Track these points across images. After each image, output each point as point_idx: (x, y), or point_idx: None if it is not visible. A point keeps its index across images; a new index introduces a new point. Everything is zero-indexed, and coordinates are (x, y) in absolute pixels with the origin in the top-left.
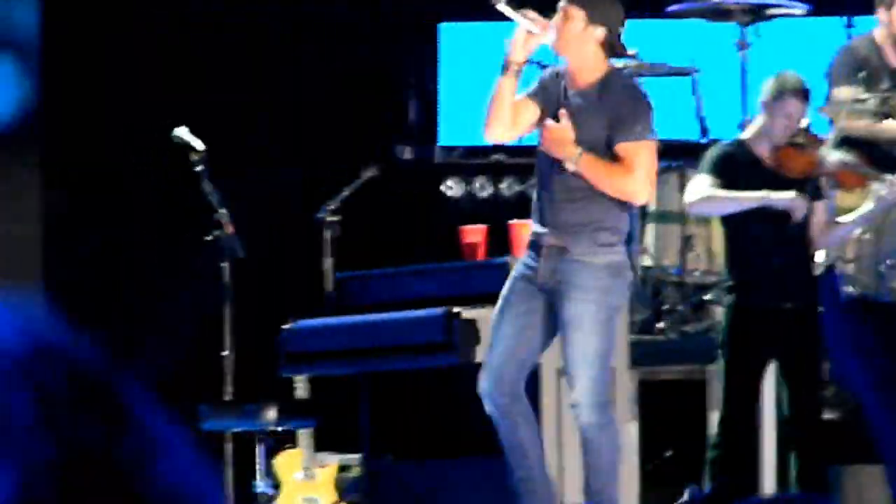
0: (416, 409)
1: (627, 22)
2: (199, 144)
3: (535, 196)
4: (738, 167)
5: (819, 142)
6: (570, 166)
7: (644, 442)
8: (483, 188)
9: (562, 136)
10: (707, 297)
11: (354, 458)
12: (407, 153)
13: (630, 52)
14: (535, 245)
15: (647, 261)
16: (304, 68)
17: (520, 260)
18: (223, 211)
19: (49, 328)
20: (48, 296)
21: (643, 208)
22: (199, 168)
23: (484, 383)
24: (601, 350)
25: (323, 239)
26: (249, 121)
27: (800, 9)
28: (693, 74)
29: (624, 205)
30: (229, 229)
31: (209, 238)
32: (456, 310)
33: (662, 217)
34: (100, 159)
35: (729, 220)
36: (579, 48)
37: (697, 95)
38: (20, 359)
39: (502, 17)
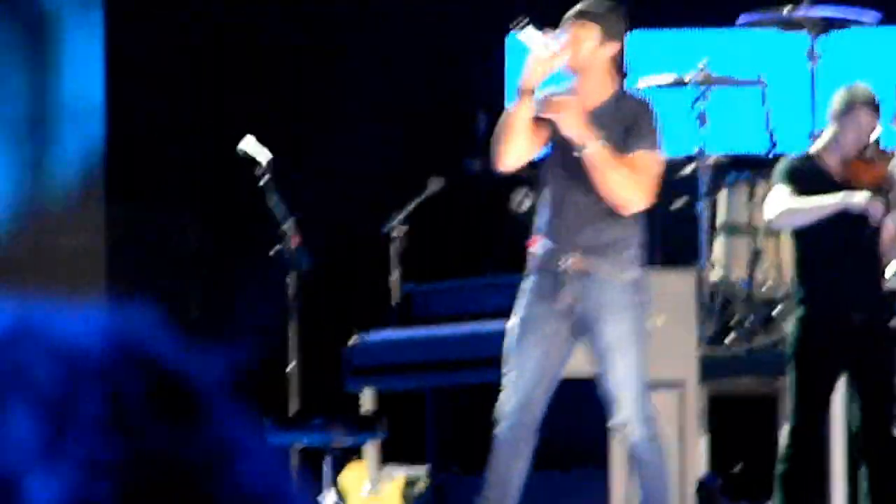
0: (482, 422)
1: (698, 32)
2: (264, 157)
3: (544, 217)
4: (807, 180)
5: (889, 155)
6: (589, 147)
7: (713, 456)
8: None
9: (573, 107)
10: (776, 310)
11: (421, 471)
12: (476, 166)
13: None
14: (549, 267)
15: (715, 274)
16: (372, 81)
17: (530, 281)
18: (289, 223)
19: (126, 330)
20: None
21: (712, 221)
22: (264, 180)
23: (508, 407)
24: (642, 366)
25: (390, 252)
26: (317, 133)
27: (870, 19)
28: (762, 86)
29: (637, 222)
30: (295, 242)
31: (275, 251)
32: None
33: (731, 230)
34: (164, 171)
35: (798, 233)
36: (594, 66)
37: (766, 107)
38: (93, 358)
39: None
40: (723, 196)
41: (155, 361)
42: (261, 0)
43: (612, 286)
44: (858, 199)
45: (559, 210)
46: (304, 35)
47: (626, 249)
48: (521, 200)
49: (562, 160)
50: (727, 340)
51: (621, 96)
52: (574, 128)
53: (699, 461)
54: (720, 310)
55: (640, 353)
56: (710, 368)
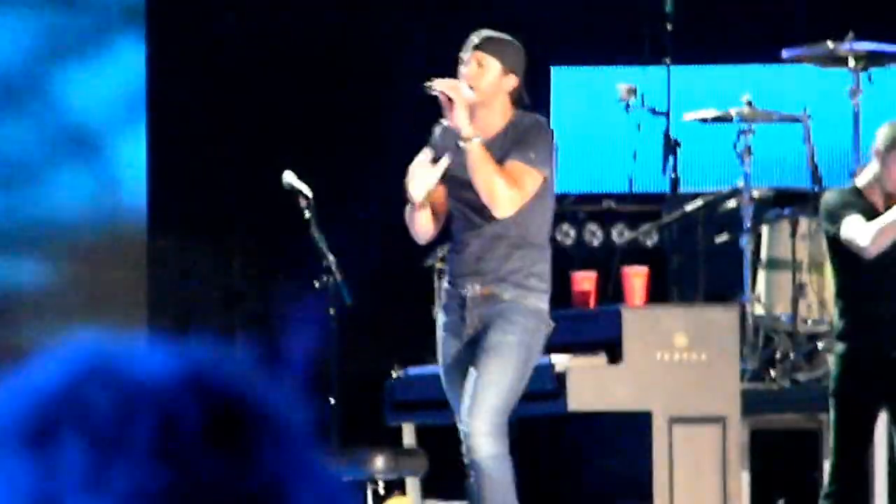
0: (524, 456)
1: (742, 68)
2: (307, 190)
3: (450, 251)
4: (858, 211)
5: None
6: (472, 139)
7: (756, 491)
8: (594, 235)
9: (464, 98)
10: (819, 345)
11: None
12: None
13: (525, 100)
14: (454, 299)
15: (758, 309)
16: (416, 114)
17: (440, 319)
18: (331, 257)
19: (180, 361)
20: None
21: (756, 256)
22: (307, 214)
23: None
24: (513, 385)
25: (432, 286)
26: (359, 166)
27: None
28: (805, 121)
29: (545, 252)
30: (337, 276)
31: (317, 284)
32: (566, 358)
33: (774, 264)
34: (206, 205)
35: (840, 268)
36: (493, 99)
37: (810, 142)
38: (148, 389)
39: (614, 62)
40: (766, 231)
41: (210, 392)
42: (302, 37)
43: (513, 305)
44: None
45: (464, 242)
46: (346, 69)
47: (530, 277)
48: (566, 233)
49: (458, 194)
50: (770, 375)
51: (517, 121)
52: (461, 118)
53: (741, 496)
54: (763, 344)
55: (516, 375)
56: (752, 403)
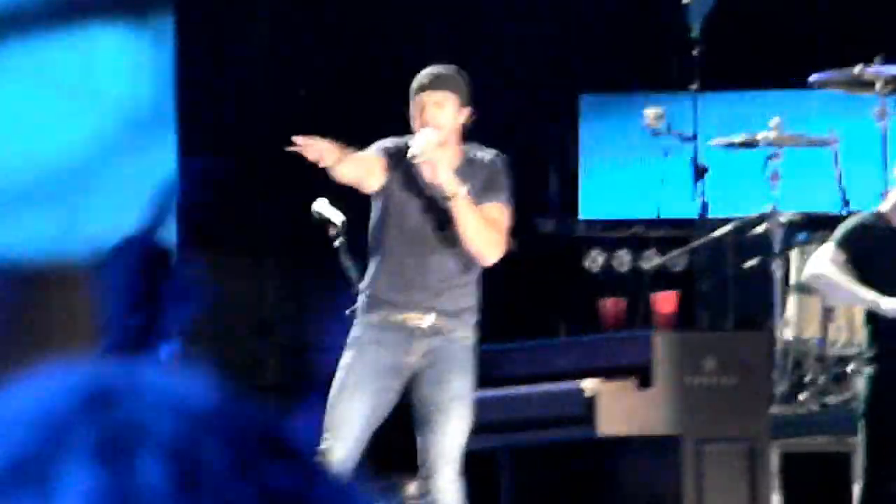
0: (556, 482)
1: (768, 93)
2: (337, 217)
3: (381, 264)
4: (873, 238)
5: None
6: (459, 194)
7: None
8: (622, 261)
9: (443, 156)
10: (848, 368)
11: None
12: (548, 226)
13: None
14: (394, 322)
15: (788, 333)
16: None
17: (363, 336)
18: (362, 284)
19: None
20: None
21: (785, 280)
22: (338, 241)
23: (338, 464)
24: (469, 424)
25: None
26: None
27: None
28: (833, 145)
29: (478, 287)
30: None
31: (348, 312)
32: (595, 382)
33: (803, 289)
34: (238, 232)
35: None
36: (451, 132)
37: (838, 166)
38: (212, 411)
39: (641, 88)
40: (795, 255)
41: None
42: (331, 68)
43: (463, 348)
44: (888, 305)
45: (401, 262)
46: (376, 92)
47: (475, 314)
48: (595, 259)
49: (401, 222)
50: (800, 399)
51: (472, 156)
52: (444, 174)
53: None
54: (793, 368)
55: (470, 414)
56: (782, 427)
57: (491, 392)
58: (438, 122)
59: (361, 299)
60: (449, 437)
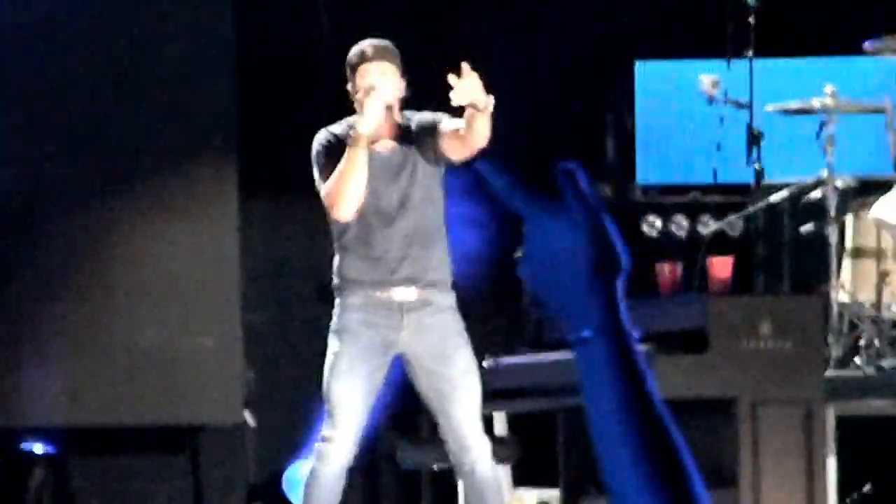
0: None
1: (823, 59)
2: None
3: (363, 255)
4: None
5: None
6: (488, 108)
7: (842, 477)
8: (680, 226)
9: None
10: None
11: (554, 493)
12: (605, 191)
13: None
14: (380, 300)
15: (843, 296)
16: (500, 107)
17: (350, 320)
18: None
19: None
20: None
21: (840, 244)
22: None
23: (343, 450)
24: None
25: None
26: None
27: None
28: (889, 110)
29: (447, 246)
30: None
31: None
32: (650, 347)
33: (858, 253)
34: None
35: None
36: (394, 101)
37: (893, 131)
38: None
39: (697, 55)
40: (850, 220)
41: None
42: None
43: (452, 313)
44: None
45: (372, 246)
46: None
47: (450, 278)
48: (652, 224)
49: (375, 202)
50: (855, 362)
51: (410, 120)
52: (480, 98)
53: (827, 482)
54: (848, 332)
55: (479, 381)
56: (837, 390)
57: (548, 355)
58: (387, 90)
59: (339, 283)
60: (473, 410)
